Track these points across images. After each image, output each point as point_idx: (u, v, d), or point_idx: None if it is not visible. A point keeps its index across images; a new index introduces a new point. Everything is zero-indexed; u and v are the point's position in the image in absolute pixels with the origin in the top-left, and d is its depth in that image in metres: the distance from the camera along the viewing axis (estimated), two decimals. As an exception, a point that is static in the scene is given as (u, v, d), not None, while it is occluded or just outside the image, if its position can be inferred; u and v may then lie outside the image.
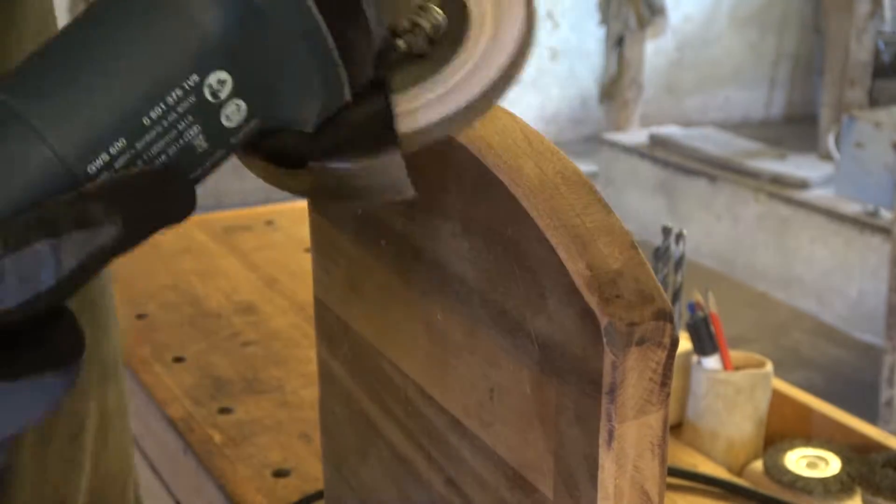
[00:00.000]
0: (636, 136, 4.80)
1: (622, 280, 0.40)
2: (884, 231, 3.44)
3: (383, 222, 0.54)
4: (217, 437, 0.86)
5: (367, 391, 0.60)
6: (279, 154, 0.43)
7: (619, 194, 4.63)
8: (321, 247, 0.63)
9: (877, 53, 4.52)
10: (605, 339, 0.39)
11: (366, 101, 0.42)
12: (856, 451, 0.85)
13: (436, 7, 0.43)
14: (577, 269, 0.40)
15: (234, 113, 0.39)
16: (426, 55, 0.43)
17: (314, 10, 0.38)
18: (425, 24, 0.42)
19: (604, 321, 0.39)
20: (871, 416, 2.81)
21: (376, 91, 0.42)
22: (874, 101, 4.41)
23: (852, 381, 3.23)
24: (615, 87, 4.90)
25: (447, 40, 0.43)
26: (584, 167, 4.94)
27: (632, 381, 0.39)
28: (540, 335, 0.43)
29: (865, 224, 3.58)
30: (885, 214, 3.50)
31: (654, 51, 5.53)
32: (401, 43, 0.42)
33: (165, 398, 0.92)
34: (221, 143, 0.40)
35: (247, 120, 0.40)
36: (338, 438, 0.65)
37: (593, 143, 5.28)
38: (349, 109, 0.41)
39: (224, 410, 0.90)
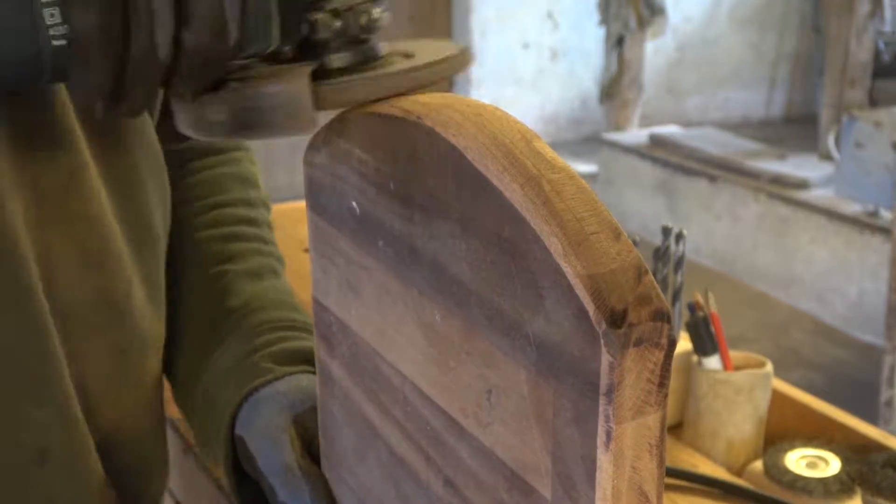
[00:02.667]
0: (636, 136, 4.80)
1: (619, 281, 0.40)
2: (884, 231, 3.43)
3: (382, 223, 0.54)
4: (216, 438, 0.86)
5: (366, 392, 0.60)
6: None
7: (619, 194, 4.63)
8: (319, 247, 0.63)
9: (877, 53, 4.52)
10: (602, 340, 0.39)
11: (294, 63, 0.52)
12: (856, 451, 0.85)
13: (376, 9, 0.53)
14: (574, 270, 0.40)
15: None
16: (360, 42, 0.53)
17: None
18: (363, 15, 0.52)
19: (601, 322, 0.39)
20: (871, 416, 2.80)
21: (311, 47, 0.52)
22: (874, 101, 4.41)
23: (852, 381, 3.23)
24: (615, 87, 4.90)
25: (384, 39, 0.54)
26: (584, 167, 4.94)
27: (629, 381, 0.39)
28: (537, 336, 0.43)
29: (865, 224, 3.58)
30: (885, 214, 3.50)
31: (654, 51, 5.53)
32: (338, 23, 0.52)
33: (165, 398, 0.92)
34: None
35: None
36: (336, 439, 0.65)
37: (593, 143, 5.28)
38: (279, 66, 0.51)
39: (223, 411, 0.90)
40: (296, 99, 0.50)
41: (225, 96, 0.50)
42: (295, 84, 0.50)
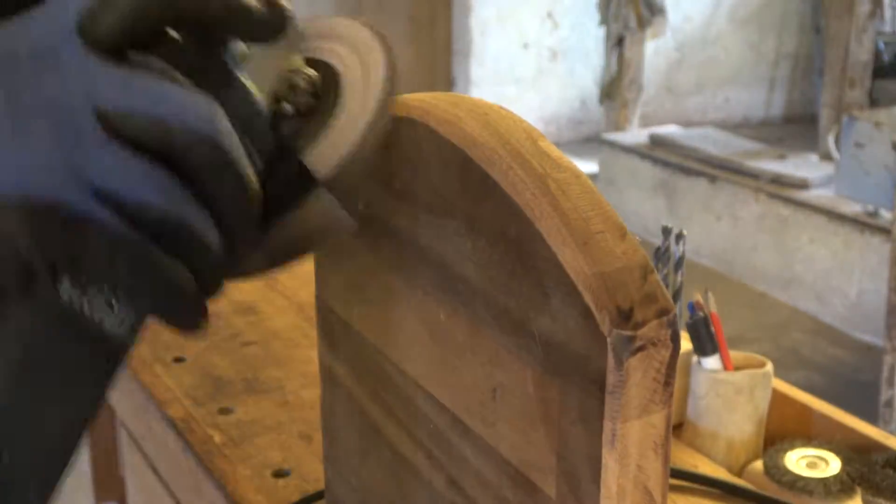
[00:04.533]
0: (636, 136, 4.80)
1: (625, 279, 0.40)
2: (884, 231, 3.44)
3: (386, 221, 0.54)
4: (217, 437, 0.86)
5: (369, 391, 0.60)
6: None
7: (619, 194, 4.63)
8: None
9: (877, 53, 4.52)
10: (608, 339, 0.39)
11: (282, 165, 0.45)
12: (856, 451, 0.85)
13: (304, 67, 0.47)
14: (579, 269, 0.40)
15: None
16: (314, 109, 0.47)
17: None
18: (301, 83, 0.47)
19: (606, 321, 0.39)
20: (871, 416, 2.80)
21: (286, 154, 0.45)
22: (874, 101, 4.41)
23: (852, 381, 3.23)
24: (615, 87, 4.90)
25: (328, 92, 0.47)
26: (584, 167, 4.94)
27: (635, 380, 0.39)
28: (543, 335, 0.43)
29: (865, 224, 3.58)
30: (885, 214, 3.50)
31: (654, 51, 5.53)
32: (287, 106, 0.46)
33: (165, 398, 0.92)
34: None
35: None
36: (339, 438, 0.65)
37: (593, 143, 5.28)
38: (269, 179, 0.44)
39: (224, 410, 0.90)
40: (326, 214, 0.45)
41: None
42: (313, 202, 0.45)
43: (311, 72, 0.48)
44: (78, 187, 0.39)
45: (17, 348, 0.38)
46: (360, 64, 0.48)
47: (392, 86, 0.47)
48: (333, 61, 0.49)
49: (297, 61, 0.48)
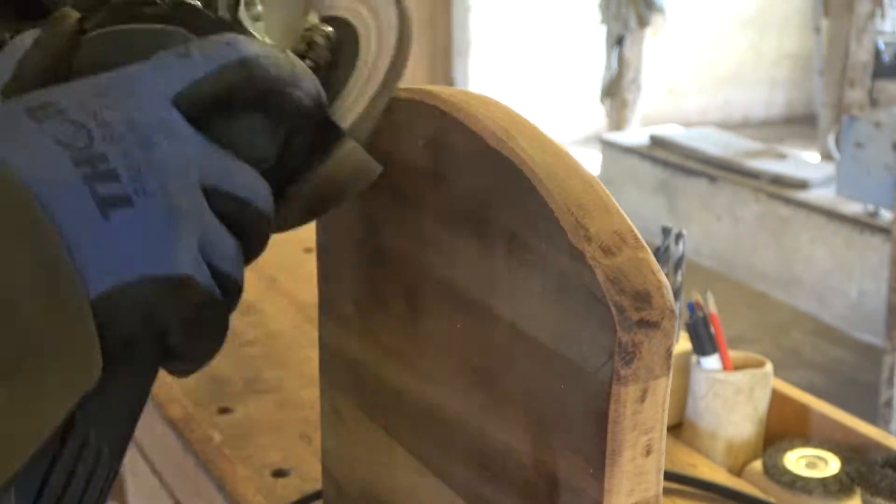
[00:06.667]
0: (636, 136, 4.80)
1: (624, 272, 0.40)
2: (884, 231, 3.43)
3: (391, 228, 0.54)
4: (217, 437, 0.86)
5: (368, 391, 0.60)
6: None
7: (619, 194, 4.62)
8: (327, 252, 0.63)
9: (877, 53, 4.52)
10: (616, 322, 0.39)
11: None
12: (855, 451, 0.85)
13: (321, 24, 0.50)
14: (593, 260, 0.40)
15: None
16: (333, 63, 0.50)
17: None
18: (319, 39, 0.50)
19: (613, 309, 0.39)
20: (871, 416, 2.80)
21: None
22: (874, 101, 4.41)
23: (852, 382, 3.23)
24: (615, 87, 4.90)
25: (345, 46, 0.50)
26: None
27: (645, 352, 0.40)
28: (546, 332, 0.43)
29: (865, 224, 3.58)
30: (885, 214, 3.50)
31: (654, 51, 5.53)
32: (308, 62, 0.48)
33: (165, 398, 0.92)
34: None
35: None
36: (338, 439, 0.65)
37: (593, 143, 5.28)
38: (297, 134, 0.47)
39: (224, 410, 0.90)
40: (352, 161, 0.48)
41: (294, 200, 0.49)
42: (341, 151, 0.48)
43: (328, 28, 0.50)
44: (196, 261, 0.41)
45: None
46: (374, 18, 0.51)
47: (406, 39, 0.50)
48: (348, 17, 0.51)
49: (314, 19, 0.50)
